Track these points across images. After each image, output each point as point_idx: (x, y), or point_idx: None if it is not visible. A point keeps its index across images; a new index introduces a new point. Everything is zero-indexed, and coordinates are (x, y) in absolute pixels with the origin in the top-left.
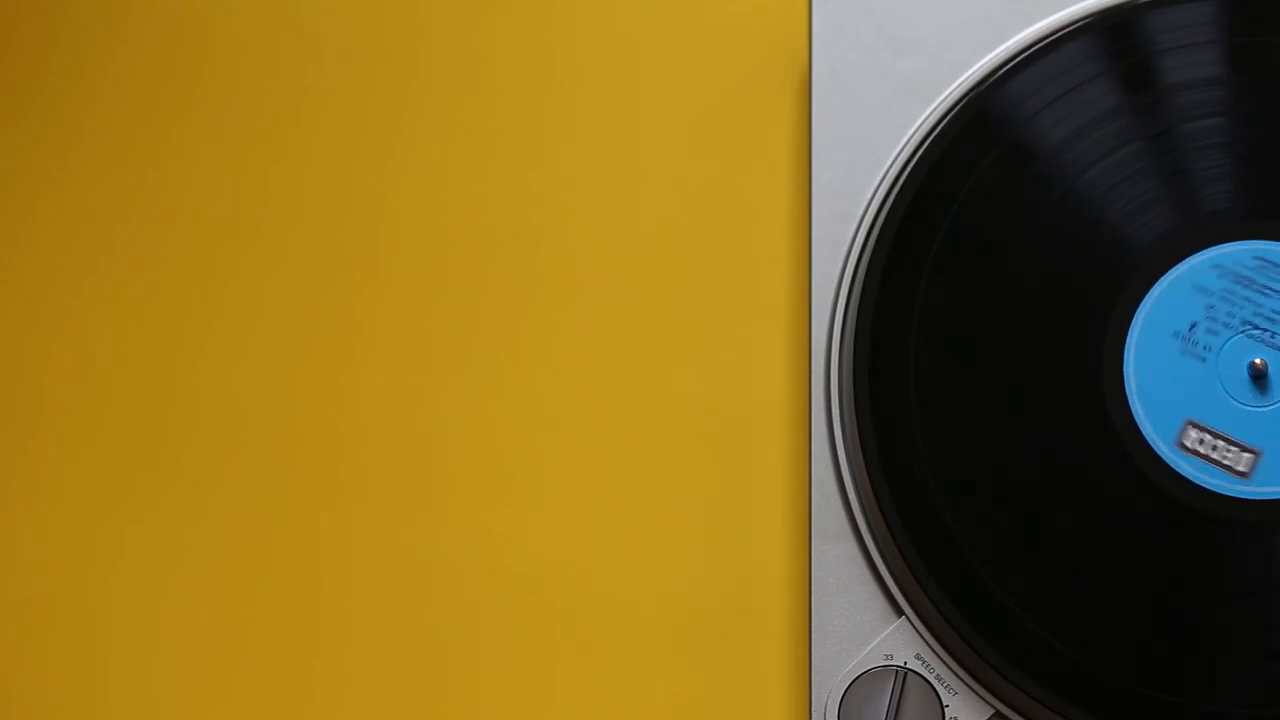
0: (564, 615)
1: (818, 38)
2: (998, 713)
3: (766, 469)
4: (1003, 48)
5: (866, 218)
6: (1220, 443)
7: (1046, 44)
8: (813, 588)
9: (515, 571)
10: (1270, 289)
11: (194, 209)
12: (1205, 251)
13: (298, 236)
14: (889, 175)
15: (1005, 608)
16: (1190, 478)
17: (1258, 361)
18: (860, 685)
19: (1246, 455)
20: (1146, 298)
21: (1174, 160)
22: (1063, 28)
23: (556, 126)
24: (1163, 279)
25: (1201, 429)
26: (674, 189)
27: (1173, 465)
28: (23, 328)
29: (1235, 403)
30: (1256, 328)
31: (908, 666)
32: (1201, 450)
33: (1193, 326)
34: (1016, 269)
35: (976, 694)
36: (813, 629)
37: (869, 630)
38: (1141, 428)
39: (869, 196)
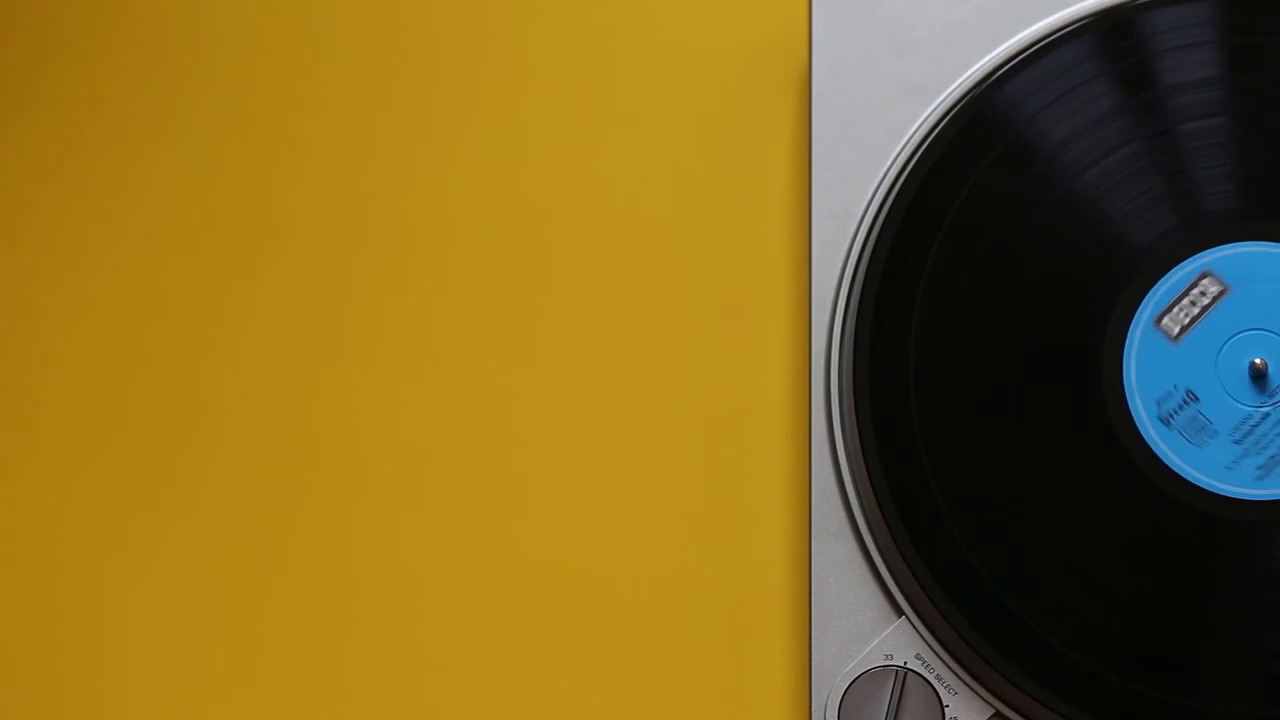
0: (564, 615)
1: (818, 38)
2: (998, 713)
3: (766, 469)
4: (1003, 48)
5: (866, 218)
6: (1196, 313)
7: (1046, 44)
8: (813, 588)
9: (515, 572)
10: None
11: (197, 209)
12: (1204, 252)
13: (299, 237)
14: (889, 175)
15: (1005, 608)
16: (1190, 478)
17: (1258, 361)
18: (860, 685)
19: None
20: (1147, 297)
21: (1174, 160)
22: (1063, 28)
23: (557, 127)
24: (1160, 282)
25: (1211, 300)
26: (674, 189)
27: (1173, 466)
28: (24, 328)
29: (1238, 404)
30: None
31: (908, 666)
32: (1193, 300)
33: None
34: (1016, 269)
35: (976, 694)
36: (813, 629)
37: (869, 630)
38: (1141, 428)
39: (869, 196)
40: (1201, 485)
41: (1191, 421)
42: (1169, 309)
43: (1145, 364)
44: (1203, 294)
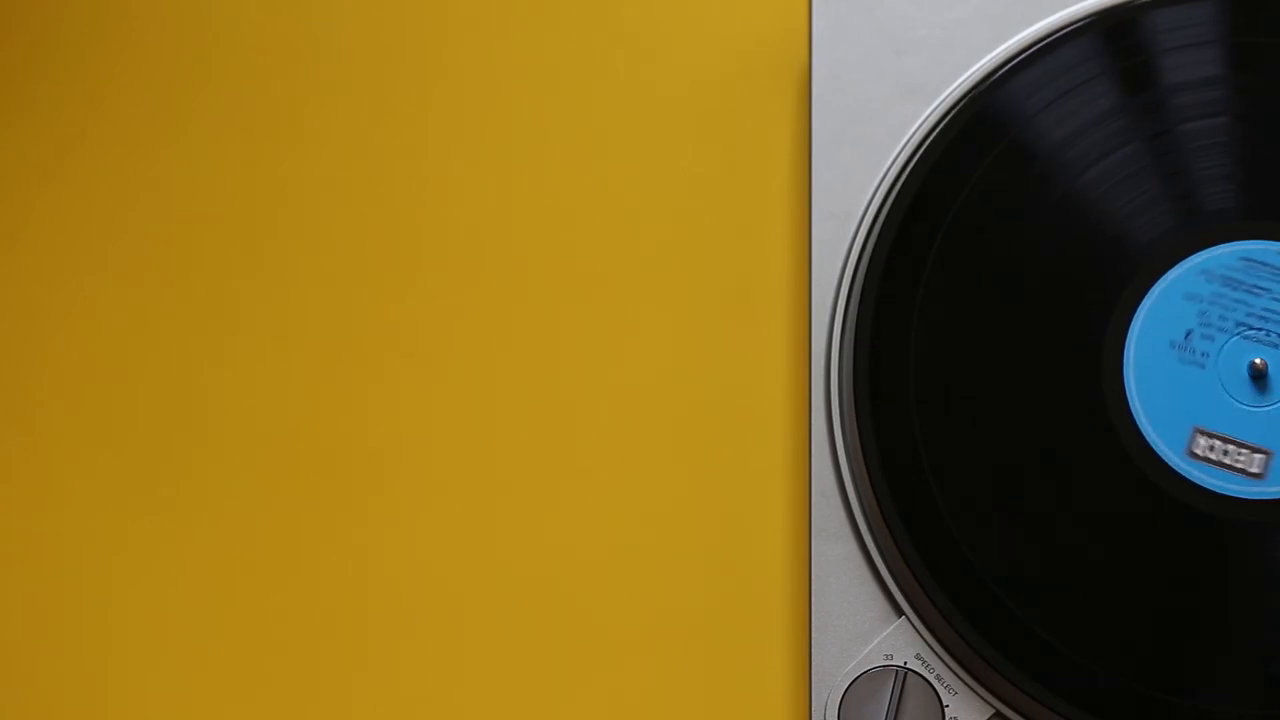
0: (564, 615)
1: (818, 38)
2: (998, 713)
3: (766, 469)
4: (1003, 48)
5: (866, 218)
6: (1231, 447)
7: (1046, 44)
8: (813, 588)
9: (515, 572)
10: (1259, 288)
11: (198, 209)
12: (1205, 251)
13: (301, 237)
14: (889, 175)
15: (1005, 607)
16: (1190, 478)
17: (1258, 361)
18: (860, 685)
19: (1259, 456)
20: (1147, 297)
21: (1174, 160)
22: (1063, 28)
23: (557, 128)
24: (1159, 282)
25: (1210, 435)
26: (674, 189)
27: (1172, 465)
28: (24, 328)
29: (1239, 405)
30: (1251, 328)
31: (908, 666)
32: (1213, 457)
33: (1188, 334)
34: (1016, 269)
35: (976, 694)
36: (813, 629)
37: (869, 630)
38: (1141, 427)
39: (869, 196)
40: (1202, 485)
41: None
42: (1239, 470)
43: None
44: (1234, 452)
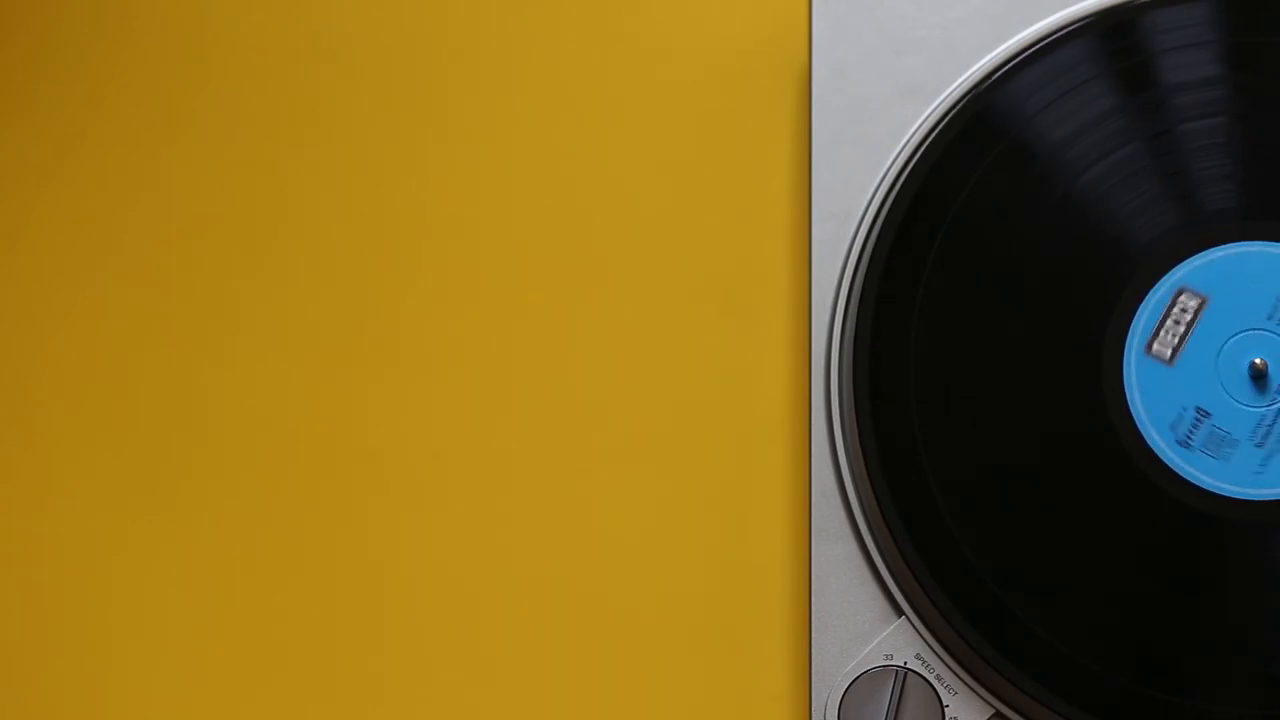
0: (564, 615)
1: (818, 38)
2: (998, 713)
3: (766, 469)
4: (1003, 48)
5: (866, 218)
6: (1177, 338)
7: (1046, 44)
8: (813, 588)
9: (515, 572)
10: None
11: (198, 209)
12: (1206, 251)
13: (301, 237)
14: (889, 175)
15: (1005, 608)
16: (1191, 478)
17: (1258, 361)
18: (860, 685)
19: (1167, 352)
20: (1148, 297)
21: (1174, 160)
22: (1063, 28)
23: (557, 128)
24: (1165, 278)
25: (1191, 323)
26: (674, 189)
27: (1173, 466)
28: (24, 328)
29: (1230, 389)
30: None
31: (908, 666)
32: (1165, 323)
33: None
34: (1016, 269)
35: (976, 694)
36: (813, 629)
37: (869, 630)
38: (1142, 428)
39: (869, 196)
40: (1202, 485)
41: (1210, 437)
42: (1156, 334)
43: (1147, 386)
44: (1184, 310)
